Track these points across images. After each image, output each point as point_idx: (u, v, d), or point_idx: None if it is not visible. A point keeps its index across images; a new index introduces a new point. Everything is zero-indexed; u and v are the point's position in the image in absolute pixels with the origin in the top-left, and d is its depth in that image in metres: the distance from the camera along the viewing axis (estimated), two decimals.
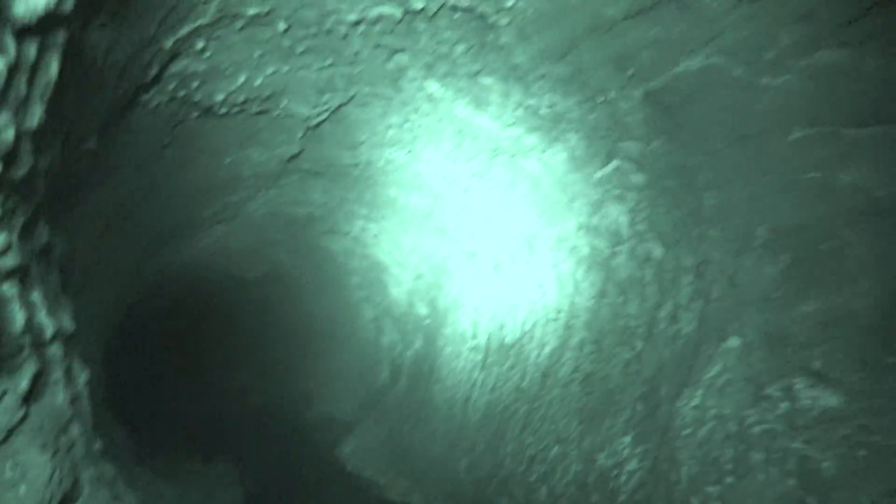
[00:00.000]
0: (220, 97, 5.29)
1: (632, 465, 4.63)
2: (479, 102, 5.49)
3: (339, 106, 5.91)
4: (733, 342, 4.21)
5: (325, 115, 6.07)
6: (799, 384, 3.69)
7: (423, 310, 8.95)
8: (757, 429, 3.79)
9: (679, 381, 4.55)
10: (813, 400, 3.55)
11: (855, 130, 3.49)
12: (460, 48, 4.83)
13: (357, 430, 9.71)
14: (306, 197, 7.99)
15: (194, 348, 10.89)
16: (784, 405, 3.70)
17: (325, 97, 5.70)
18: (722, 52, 3.87)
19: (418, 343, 9.07)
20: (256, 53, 4.83)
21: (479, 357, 7.48)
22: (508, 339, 6.92)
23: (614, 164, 5.25)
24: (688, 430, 4.28)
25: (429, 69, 5.18)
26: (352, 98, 5.79)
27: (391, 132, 6.42)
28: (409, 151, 6.78)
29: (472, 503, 6.73)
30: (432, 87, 5.44)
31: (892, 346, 3.33)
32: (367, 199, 8.01)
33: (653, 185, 5.00)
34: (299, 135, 6.39)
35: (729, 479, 3.80)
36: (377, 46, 4.87)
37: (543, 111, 5.20)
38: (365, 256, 9.20)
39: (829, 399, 3.50)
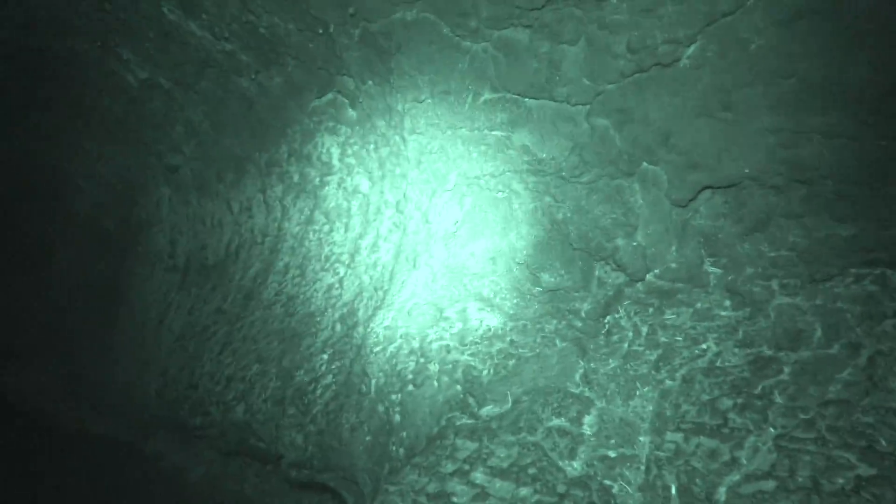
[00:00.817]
0: None
1: (327, 379, 5.05)
2: (190, 7, 5.06)
3: None
4: (423, 271, 4.81)
5: None
6: (471, 308, 4.43)
7: (110, 226, 8.09)
8: (435, 345, 4.47)
9: (375, 304, 5.05)
10: (480, 321, 4.32)
11: (530, 100, 4.19)
12: None
13: (23, 357, 8.52)
14: None
15: None
16: (458, 325, 4.42)
17: None
18: (433, 9, 4.23)
19: (103, 262, 8.22)
20: None
21: (177, 278, 7.15)
22: (211, 261, 6.74)
23: (330, 96, 5.39)
24: (379, 347, 4.82)
25: None
26: None
27: (79, 21, 5.54)
28: (102, 46, 5.94)
29: (164, 426, 6.58)
30: None
31: (538, 280, 4.22)
32: (43, 93, 6.82)
33: (364, 122, 5.28)
34: None
35: (409, 388, 4.44)
36: None
37: (262, 30, 5.04)
38: (36, 161, 7.86)
39: (492, 320, 4.30)
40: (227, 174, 6.64)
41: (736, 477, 2.74)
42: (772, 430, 2.88)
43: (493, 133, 4.41)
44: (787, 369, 3.15)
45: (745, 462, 2.80)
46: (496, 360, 4.21)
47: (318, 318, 5.41)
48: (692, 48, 3.46)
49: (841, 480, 2.56)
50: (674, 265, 3.81)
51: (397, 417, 4.38)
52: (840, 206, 3.32)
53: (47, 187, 8.27)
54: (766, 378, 3.17)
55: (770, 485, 2.62)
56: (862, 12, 2.87)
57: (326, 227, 5.69)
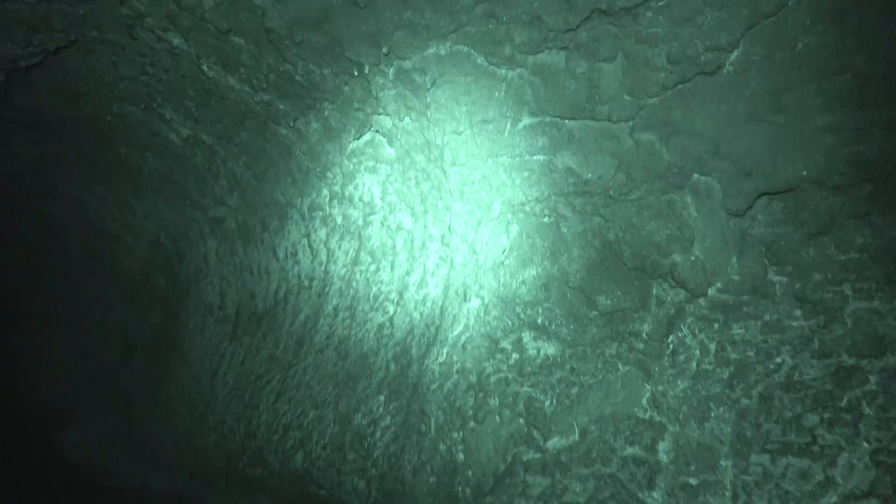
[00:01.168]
0: None
1: (386, 421, 4.98)
2: (229, 63, 5.20)
3: (58, 49, 5.10)
4: (474, 303, 4.74)
5: (37, 59, 5.19)
6: (526, 337, 4.33)
7: (160, 281, 8.27)
8: (493, 378, 4.37)
9: (427, 340, 4.98)
10: (537, 350, 4.21)
11: (570, 122, 4.14)
12: (209, 3, 4.53)
13: (81, 415, 8.67)
14: (8, 152, 6.76)
15: None
16: (515, 356, 4.32)
17: (39, 37, 4.88)
18: (467, 41, 4.25)
19: (155, 317, 8.37)
20: None
21: (228, 328, 7.22)
22: (260, 309, 6.79)
23: (368, 136, 5.44)
24: (435, 385, 4.74)
25: (171, 21, 4.75)
26: (74, 42, 5.05)
27: (123, 85, 5.75)
28: (145, 108, 6.15)
29: (224, 478, 6.57)
30: (175, 40, 5.00)
31: (594, 303, 4.10)
32: (92, 157, 7.07)
33: (403, 158, 5.30)
34: (2, 78, 5.37)
35: (471, 424, 4.33)
36: None
37: (298, 78, 5.14)
38: (89, 223, 8.13)
39: (549, 348, 4.19)
40: (270, 222, 6.73)
41: (833, 498, 2.56)
42: (866, 444, 2.70)
43: (535, 158, 4.37)
44: (873, 378, 2.96)
45: (840, 481, 2.61)
46: (558, 390, 4.08)
47: (372, 359, 5.36)
48: (735, 53, 3.37)
49: None
50: (736, 277, 3.66)
51: (461, 456, 4.27)
52: None
53: (100, 247, 8.52)
54: (852, 389, 2.98)
55: None
56: None
57: (373, 267, 5.68)
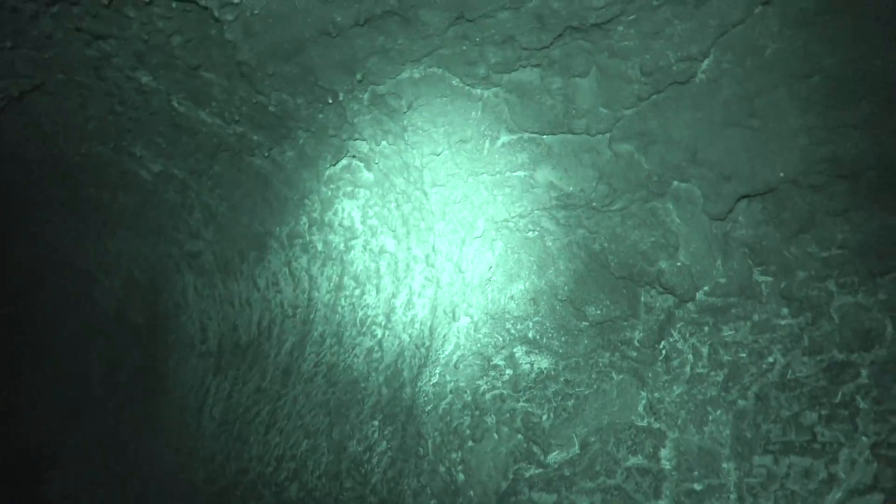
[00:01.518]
0: None
1: (382, 446, 4.93)
2: (200, 97, 5.16)
3: (22, 94, 5.01)
4: (463, 322, 4.74)
5: (1, 105, 5.08)
6: (518, 352, 4.34)
7: (138, 318, 8.10)
8: (488, 395, 4.36)
9: (418, 362, 4.96)
10: (530, 364, 4.22)
11: (548, 137, 4.19)
12: (178, 39, 4.48)
13: (64, 460, 8.43)
14: None
15: None
16: (509, 372, 4.32)
17: (3, 83, 4.78)
18: (441, 63, 4.27)
19: (135, 355, 8.19)
20: None
21: (211, 362, 7.09)
22: (244, 340, 6.70)
23: (344, 161, 5.42)
24: (430, 406, 4.71)
25: (140, 59, 4.70)
26: (39, 86, 4.96)
27: (91, 125, 5.66)
28: (114, 146, 6.05)
29: None
30: (144, 78, 4.94)
31: (583, 314, 4.13)
32: (62, 198, 6.92)
33: (382, 182, 5.30)
34: None
35: (469, 444, 4.31)
36: (76, 30, 4.25)
37: (272, 109, 5.11)
38: (63, 262, 7.94)
39: (542, 362, 4.20)
40: (249, 252, 6.65)
41: (838, 494, 2.60)
42: (864, 438, 2.75)
43: (516, 174, 4.40)
44: (864, 371, 3.03)
45: (843, 477, 2.66)
46: (554, 403, 4.09)
47: (363, 384, 5.32)
48: (707, 62, 3.45)
49: None
50: (722, 280, 3.72)
51: (461, 476, 4.24)
52: (886, 195, 3.24)
53: (75, 287, 8.33)
54: (845, 384, 3.04)
55: (877, 498, 2.48)
56: (884, 4, 2.86)
57: (357, 291, 5.65)
